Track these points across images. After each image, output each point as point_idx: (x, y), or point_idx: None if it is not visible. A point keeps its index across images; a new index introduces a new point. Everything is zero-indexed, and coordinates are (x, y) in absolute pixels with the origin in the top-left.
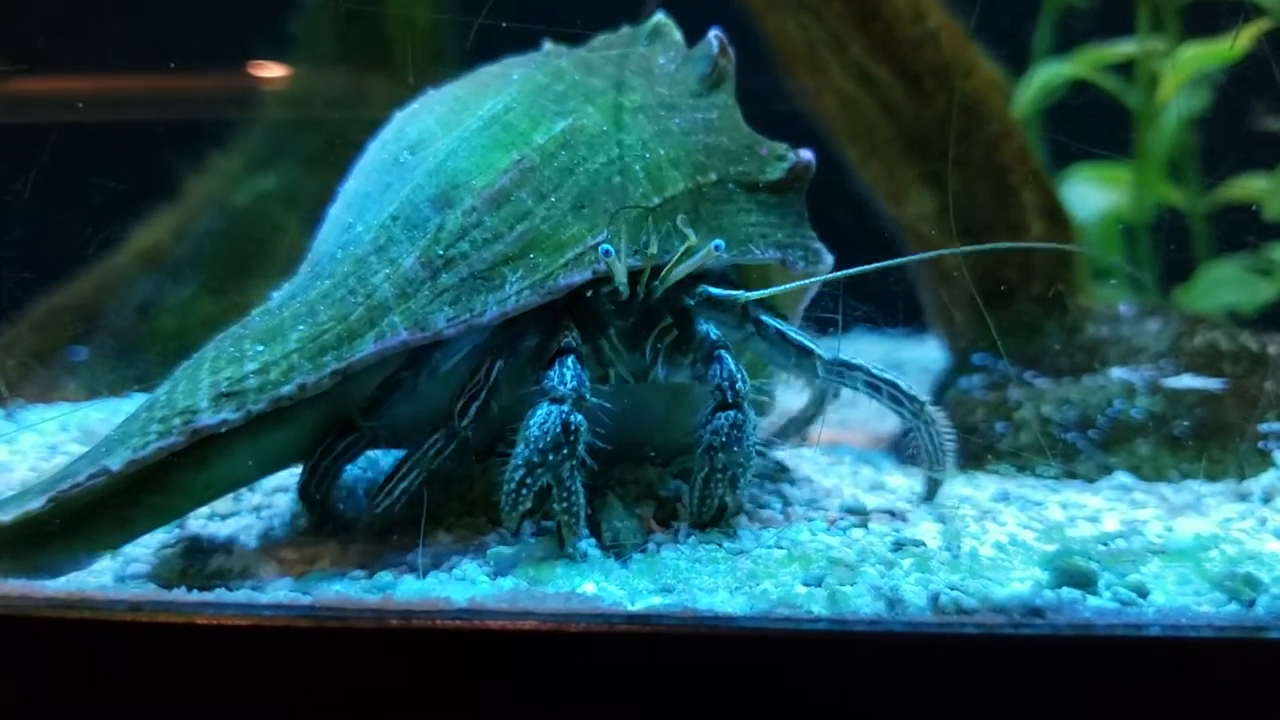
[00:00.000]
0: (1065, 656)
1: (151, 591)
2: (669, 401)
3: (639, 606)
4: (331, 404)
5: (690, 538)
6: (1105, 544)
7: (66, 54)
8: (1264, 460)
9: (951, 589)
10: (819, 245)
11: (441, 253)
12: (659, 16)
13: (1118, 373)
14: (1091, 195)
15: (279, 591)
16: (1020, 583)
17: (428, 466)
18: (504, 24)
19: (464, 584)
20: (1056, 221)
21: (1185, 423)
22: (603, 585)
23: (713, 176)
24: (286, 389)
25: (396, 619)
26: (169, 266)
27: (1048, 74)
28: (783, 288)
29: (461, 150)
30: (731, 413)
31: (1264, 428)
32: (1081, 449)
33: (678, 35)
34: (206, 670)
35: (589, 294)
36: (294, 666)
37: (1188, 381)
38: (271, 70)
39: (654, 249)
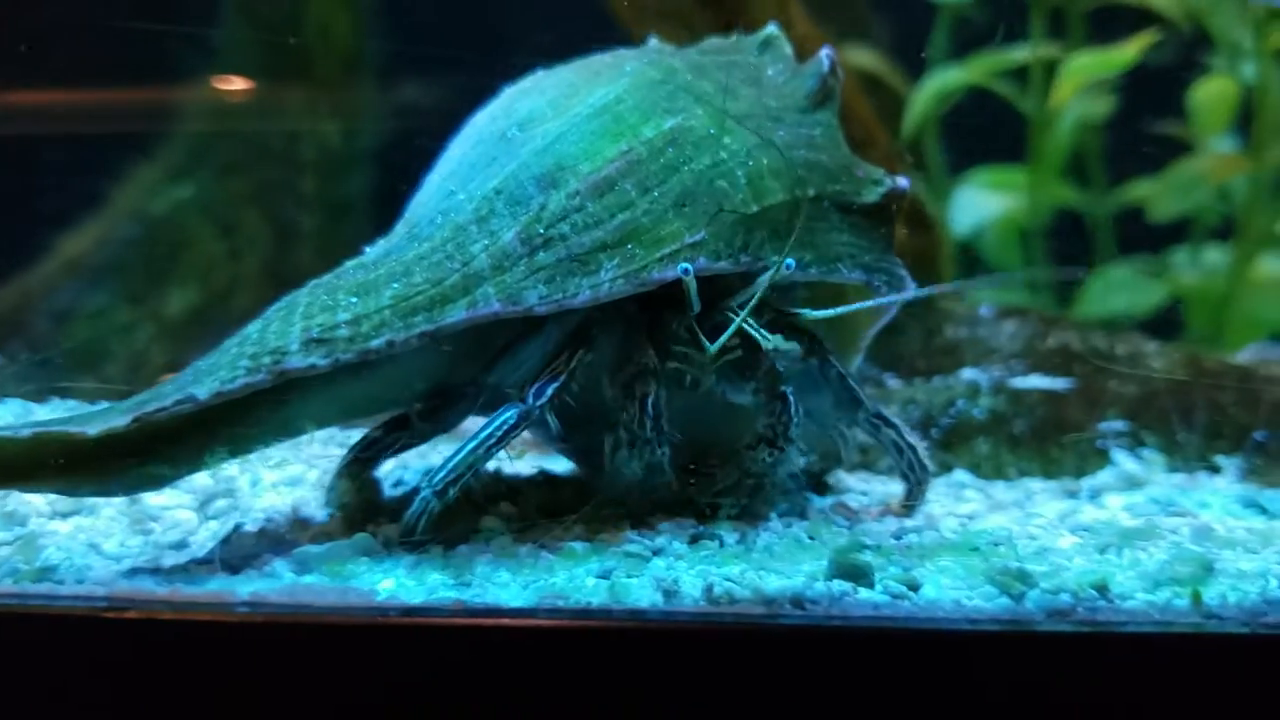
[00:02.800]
0: (820, 647)
1: None
2: (725, 414)
3: (416, 600)
4: (408, 370)
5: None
6: (898, 538)
7: None
8: (1103, 459)
9: (728, 580)
10: (903, 272)
11: (542, 231)
12: (771, 29)
13: (968, 373)
14: (984, 200)
15: (85, 586)
16: (803, 575)
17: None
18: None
19: (268, 580)
20: (921, 227)
21: (1026, 422)
22: (402, 581)
23: (811, 192)
24: (376, 343)
25: (171, 612)
26: (87, 274)
27: (942, 80)
28: (840, 310)
29: (571, 134)
30: (775, 452)
31: (1104, 426)
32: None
33: (788, 49)
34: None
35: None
36: (85, 656)
37: (1034, 382)
38: (194, 82)
39: (746, 254)
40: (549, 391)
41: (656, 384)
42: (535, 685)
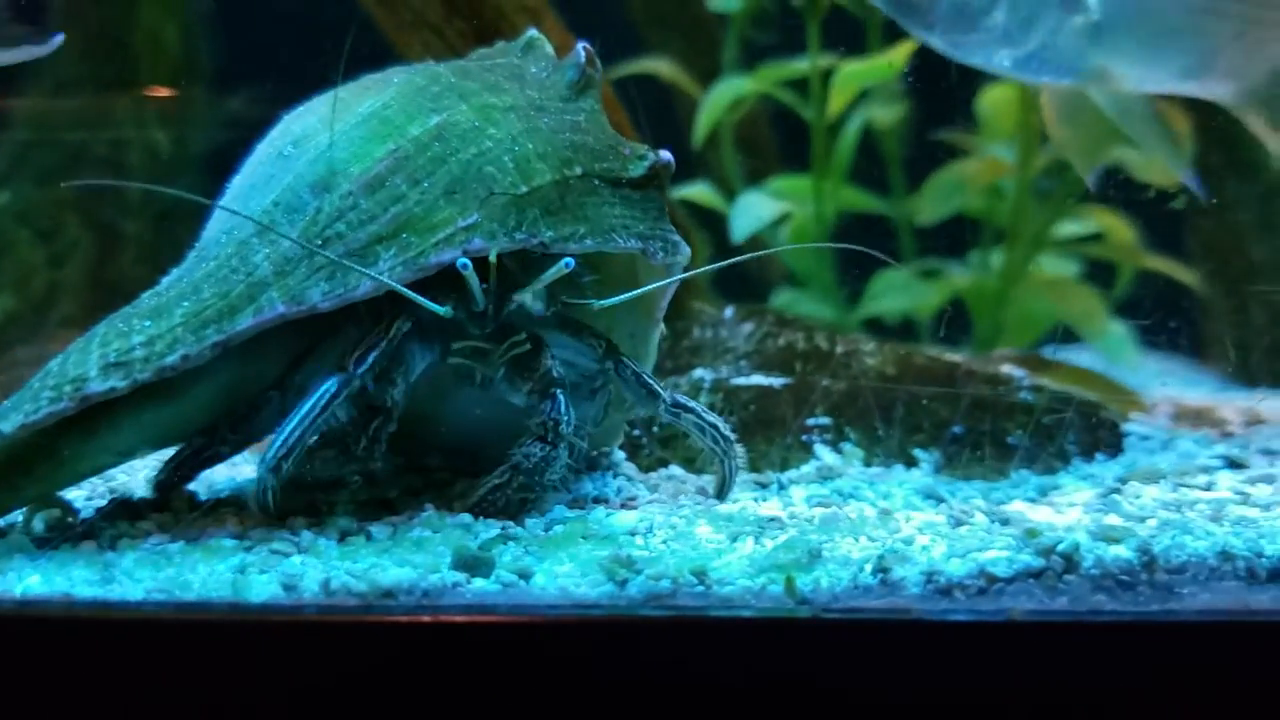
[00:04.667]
0: (409, 636)
1: None
2: (504, 416)
3: (18, 593)
4: (217, 386)
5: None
6: (546, 530)
7: None
8: (807, 452)
9: (348, 574)
10: (677, 238)
11: (319, 232)
12: (532, 32)
13: (699, 373)
14: (761, 205)
15: None
16: (425, 568)
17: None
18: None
19: None
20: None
21: (737, 418)
22: (50, 578)
23: (578, 170)
24: (170, 359)
25: None
26: None
27: (730, 89)
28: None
29: (340, 142)
30: (546, 448)
31: (811, 421)
32: (645, 444)
33: (549, 49)
34: None
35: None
36: None
37: (752, 379)
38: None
39: (522, 232)
40: (370, 358)
41: (388, 421)
42: (131, 676)
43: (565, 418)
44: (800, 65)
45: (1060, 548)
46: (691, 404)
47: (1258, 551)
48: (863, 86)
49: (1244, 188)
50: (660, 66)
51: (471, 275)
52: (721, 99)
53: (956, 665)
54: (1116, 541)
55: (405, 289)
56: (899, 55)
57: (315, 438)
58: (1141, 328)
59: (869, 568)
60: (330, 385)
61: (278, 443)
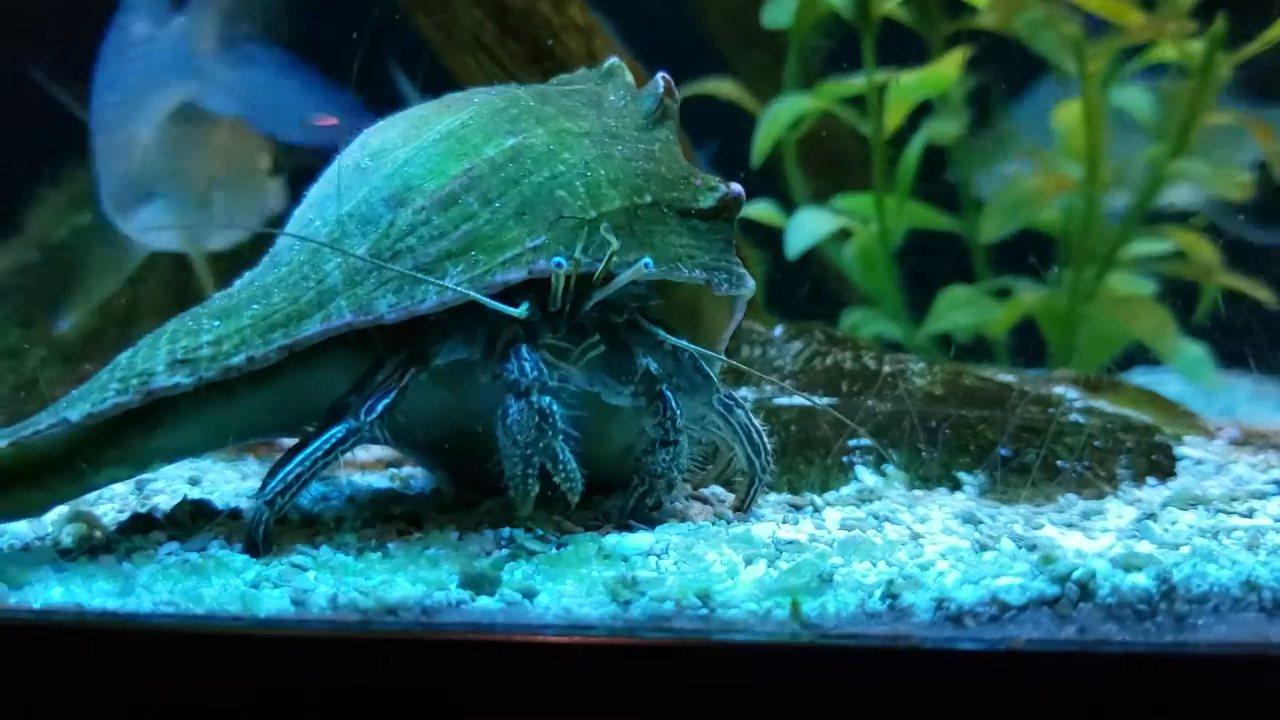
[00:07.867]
0: (402, 653)
1: None
2: (601, 416)
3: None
4: (278, 391)
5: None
6: (559, 547)
7: None
8: (847, 474)
9: (356, 590)
10: (742, 270)
11: (390, 245)
12: (613, 60)
13: (743, 392)
14: (817, 222)
15: None
16: (431, 584)
17: (325, 460)
18: None
19: None
20: None
21: (779, 438)
22: (73, 590)
23: (648, 199)
24: (236, 359)
25: None
26: None
27: (790, 106)
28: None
29: (417, 158)
30: (671, 449)
31: (853, 443)
32: None
33: (629, 77)
34: None
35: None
36: None
37: (795, 399)
38: None
39: (587, 255)
40: (379, 408)
41: (530, 342)
42: (137, 687)
43: (678, 413)
44: (860, 81)
45: (1075, 575)
46: (741, 401)
47: None
48: (919, 99)
49: None
50: (722, 86)
51: (560, 275)
52: (781, 117)
53: (957, 694)
54: (1136, 569)
55: (483, 297)
56: (951, 66)
57: (313, 480)
58: (1242, 350)
59: (878, 593)
60: (338, 431)
61: (278, 477)
